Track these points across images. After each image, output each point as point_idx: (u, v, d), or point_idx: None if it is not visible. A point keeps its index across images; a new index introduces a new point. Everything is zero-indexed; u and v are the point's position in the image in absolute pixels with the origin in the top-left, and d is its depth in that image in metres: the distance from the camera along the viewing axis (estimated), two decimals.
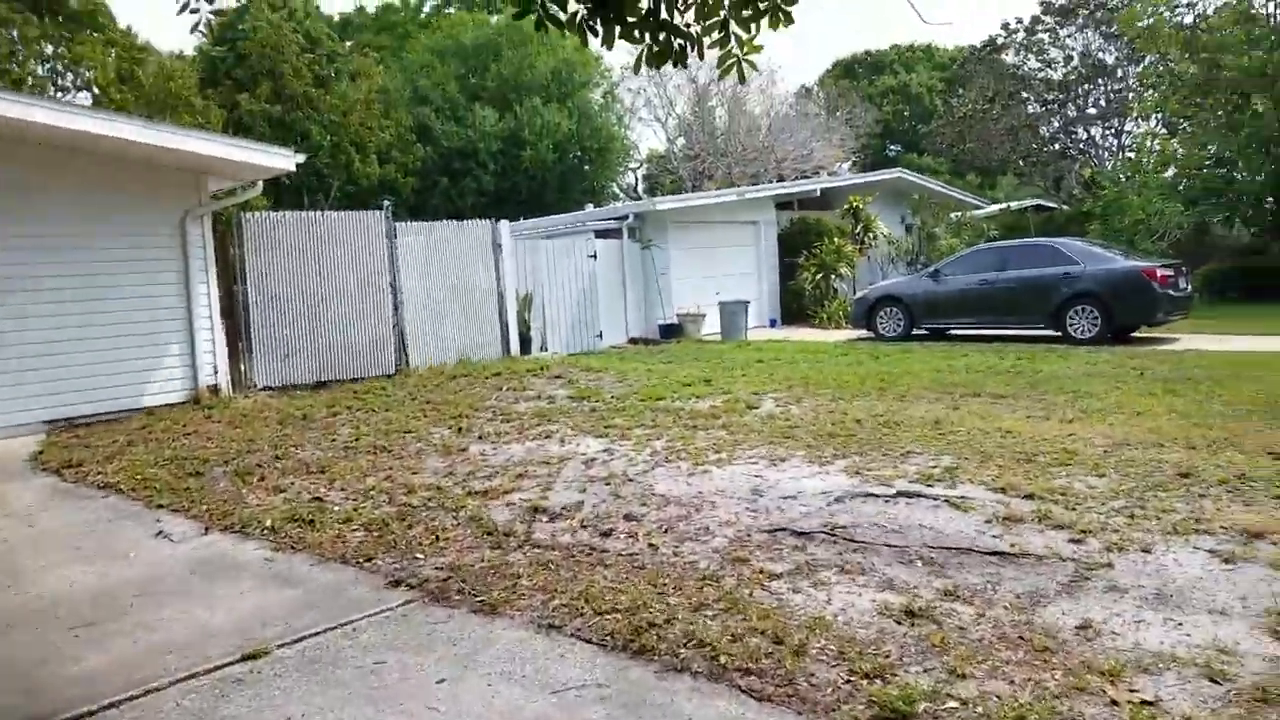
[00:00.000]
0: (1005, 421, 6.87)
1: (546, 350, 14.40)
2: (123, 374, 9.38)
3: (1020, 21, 29.46)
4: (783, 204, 19.91)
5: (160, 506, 5.80)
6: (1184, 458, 5.55)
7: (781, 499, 5.12)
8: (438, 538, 4.77)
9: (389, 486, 5.97)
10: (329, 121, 26.90)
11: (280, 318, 10.98)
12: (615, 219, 17.15)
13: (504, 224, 13.62)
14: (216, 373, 10.08)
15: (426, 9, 41.73)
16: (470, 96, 30.63)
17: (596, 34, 3.31)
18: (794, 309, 18.76)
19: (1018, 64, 29.83)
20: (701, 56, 3.45)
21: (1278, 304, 17.24)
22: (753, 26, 3.35)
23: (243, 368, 10.68)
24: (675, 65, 3.41)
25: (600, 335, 15.73)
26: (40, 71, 24.90)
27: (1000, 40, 30.36)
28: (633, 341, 16.35)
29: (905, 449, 6.12)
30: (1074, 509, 4.61)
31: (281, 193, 22.55)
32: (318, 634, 3.61)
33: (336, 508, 5.49)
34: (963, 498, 4.91)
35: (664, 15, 3.32)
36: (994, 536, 4.28)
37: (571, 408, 8.85)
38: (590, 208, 31.01)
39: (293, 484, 6.22)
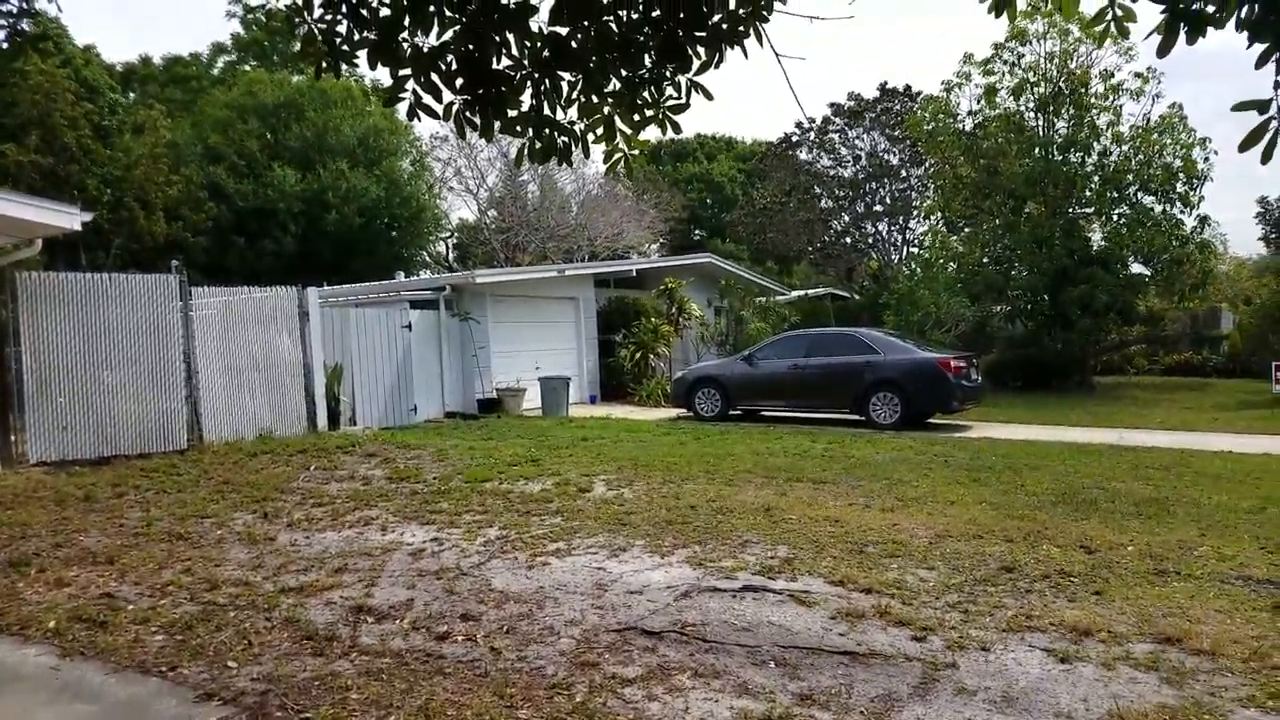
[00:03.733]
0: (831, 509, 7.15)
1: (357, 425, 13.67)
2: None
3: (813, 121, 32.17)
4: (601, 281, 20.33)
5: None
6: (1004, 550, 5.81)
7: (627, 594, 5.05)
8: (250, 642, 4.34)
9: (189, 581, 5.41)
10: (109, 175, 24.87)
11: (59, 386, 9.91)
12: (431, 289, 16.76)
13: (311, 290, 12.92)
14: None
15: (220, 65, 39.86)
16: (270, 156, 29.28)
17: (475, 126, 3.23)
18: (613, 386, 19.04)
19: (811, 160, 32.46)
20: (587, 154, 3.44)
21: (1052, 393, 19.39)
22: (634, 124, 3.40)
23: (13, 440, 9.50)
24: (560, 162, 3.39)
25: (415, 409, 15.14)
26: None
27: (795, 138, 32.99)
28: (449, 415, 15.86)
29: (742, 537, 6.23)
30: (910, 604, 4.74)
31: (56, 249, 20.38)
32: None
33: (130, 605, 4.93)
34: (805, 592, 5.02)
35: (546, 111, 3.29)
36: (840, 635, 4.35)
37: (390, 490, 8.43)
38: (400, 276, 30.20)
39: (77, 576, 5.55)
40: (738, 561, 5.62)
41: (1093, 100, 19.86)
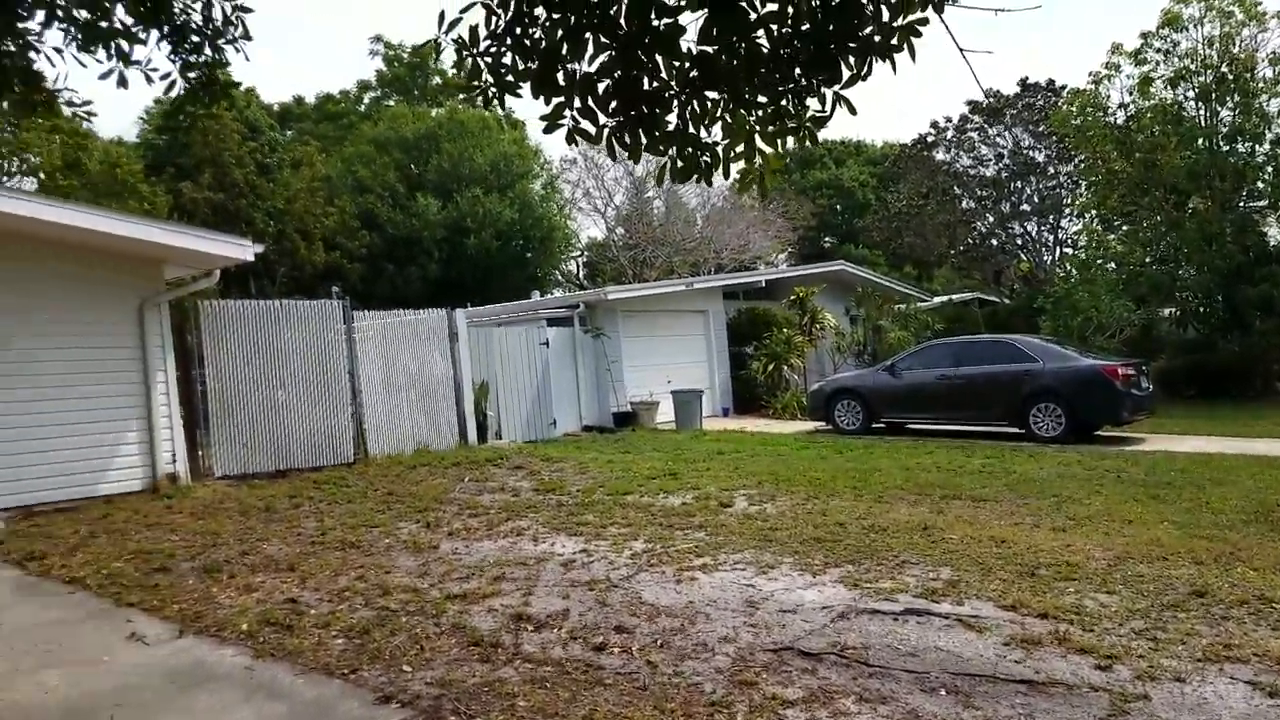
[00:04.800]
0: (995, 529, 6.80)
1: (502, 438, 14.18)
2: (81, 462, 9.11)
3: (949, 120, 30.96)
4: (729, 293, 20.27)
5: (130, 605, 5.54)
6: (1194, 574, 5.41)
7: (780, 612, 5.00)
8: (422, 647, 4.57)
9: (363, 587, 5.76)
10: (273, 209, 26.83)
11: (239, 405, 10.73)
12: (566, 307, 17.23)
13: (460, 312, 13.55)
14: (175, 461, 9.79)
15: (366, 100, 42.34)
16: (412, 186, 30.92)
17: (625, 147, 3.32)
18: (746, 398, 18.86)
19: (949, 160, 31.22)
20: (726, 175, 3.47)
21: (1231, 401, 17.63)
22: (778, 143, 3.40)
23: (201, 455, 10.37)
24: (700, 180, 3.43)
25: (554, 423, 15.57)
26: None
27: (930, 138, 31.84)
28: (586, 429, 16.21)
29: (899, 558, 6.04)
30: (1091, 630, 4.47)
31: (228, 279, 22.18)
32: None
33: (312, 610, 5.27)
34: (974, 616, 4.79)
35: (691, 130, 3.35)
36: (1016, 662, 4.13)
37: (538, 501, 8.70)
38: (536, 295, 31.14)
39: (263, 582, 5.98)
40: (896, 583, 5.45)
41: (1260, 86, 18.27)
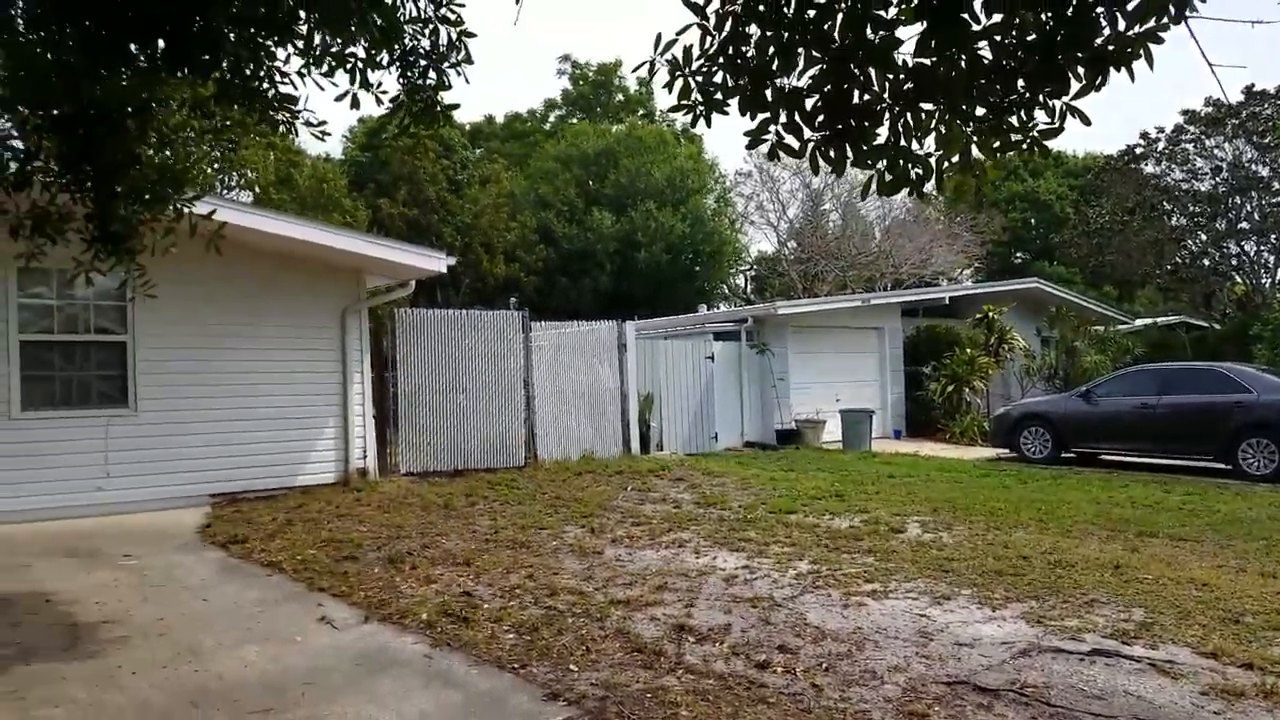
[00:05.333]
0: (1195, 570, 6.26)
1: (664, 450, 14.33)
2: (282, 454, 9.88)
3: (1161, 131, 28.46)
4: (908, 310, 19.51)
5: (321, 590, 5.95)
6: None
7: (955, 645, 4.75)
8: (588, 649, 4.66)
9: (532, 586, 5.96)
10: (461, 223, 28.30)
11: (425, 407, 11.40)
12: (733, 321, 17.17)
13: (629, 325, 13.83)
14: (366, 457, 10.48)
15: (551, 119, 44.05)
16: (589, 201, 31.85)
17: (830, 161, 3.26)
18: (920, 421, 18.11)
19: (1159, 174, 28.71)
20: (940, 187, 3.33)
21: None
22: (996, 152, 3.24)
23: (389, 452, 11.08)
24: (911, 193, 3.32)
25: (716, 437, 15.56)
26: (209, 171, 27.17)
27: (1139, 150, 29.39)
28: (748, 445, 16.08)
29: (1087, 595, 5.63)
30: None
31: (418, 288, 23.69)
32: None
33: (486, 605, 5.50)
34: (1169, 662, 4.43)
35: (903, 143, 3.24)
36: (1215, 713, 3.81)
37: (699, 514, 8.71)
38: (703, 309, 31.26)
39: (441, 575, 6.30)
40: (1084, 622, 5.07)
41: None
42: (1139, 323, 23.31)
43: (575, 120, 41.41)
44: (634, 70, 3.41)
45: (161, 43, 4.28)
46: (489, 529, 7.93)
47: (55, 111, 4.52)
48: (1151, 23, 2.84)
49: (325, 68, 4.77)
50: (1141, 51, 2.88)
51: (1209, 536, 7.55)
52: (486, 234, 28.65)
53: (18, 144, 4.69)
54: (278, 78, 4.82)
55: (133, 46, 4.31)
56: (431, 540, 7.43)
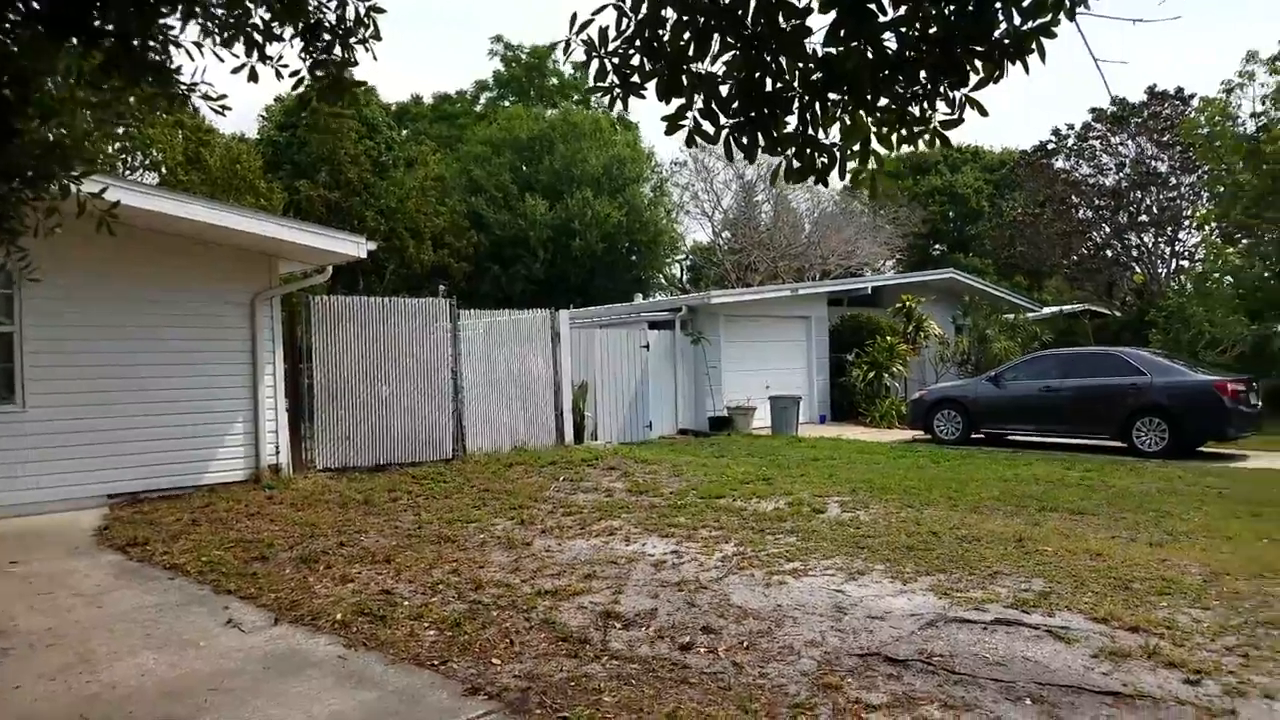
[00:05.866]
0: (1090, 542, 6.64)
1: (598, 439, 14.37)
2: (186, 451, 9.45)
3: (1072, 128, 29.76)
4: (834, 300, 20.01)
5: (228, 592, 5.76)
6: None
7: (868, 618, 4.94)
8: (511, 641, 4.66)
9: (456, 581, 5.90)
10: (385, 207, 27.56)
11: (343, 400, 11.06)
12: (668, 310, 17.33)
13: (563, 313, 13.78)
14: (278, 453, 10.14)
15: (482, 101, 43.34)
16: (523, 187, 31.50)
17: (743, 148, 3.34)
18: (844, 406, 18.65)
19: (1068, 169, 30.00)
20: (843, 175, 3.45)
21: None
22: (893, 144, 3.37)
23: (304, 448, 10.72)
24: (817, 181, 3.42)
25: (650, 425, 15.69)
26: (109, 150, 25.68)
27: (1051, 146, 30.64)
28: (682, 433, 16.27)
29: (991, 568, 5.92)
30: (1182, 645, 4.41)
31: (338, 275, 23.03)
32: None
33: (406, 602, 5.42)
34: (1064, 628, 4.70)
35: (810, 132, 3.34)
36: (1103, 674, 4.08)
37: (631, 502, 8.78)
38: (639, 298, 31.32)
39: (359, 573, 6.17)
40: (987, 593, 5.34)
41: None
42: (1046, 311, 24.32)
43: (508, 103, 40.83)
44: (550, 48, 3.42)
45: (36, 4, 4.08)
46: (412, 524, 7.80)
47: None
48: (1047, 17, 2.98)
49: (223, 36, 4.60)
50: (1034, 46, 3.02)
51: (1104, 510, 8.02)
52: (413, 218, 28.01)
53: None
54: (171, 48, 4.62)
55: (12, 9, 4.10)
56: (349, 538, 7.25)
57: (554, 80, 42.55)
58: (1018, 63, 3.06)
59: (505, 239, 30.41)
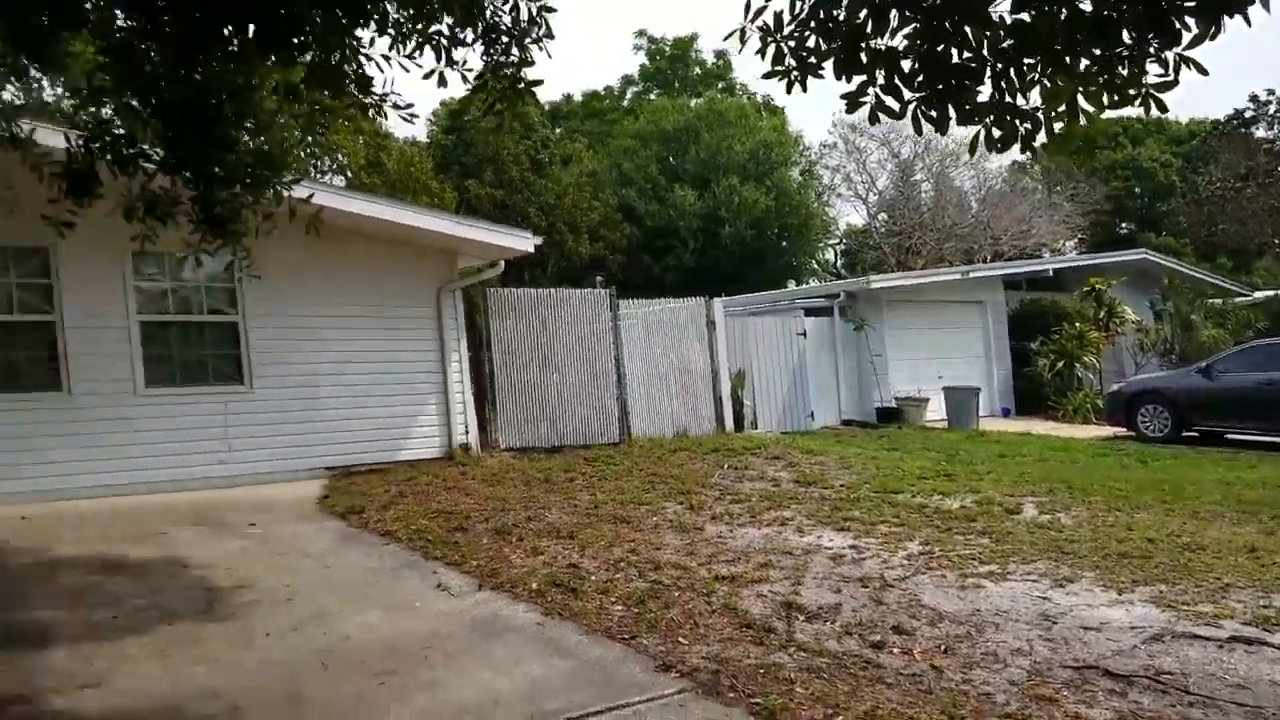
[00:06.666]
0: None
1: (758, 428, 14.19)
2: (391, 429, 10.22)
3: (1272, 93, 26.68)
4: (1011, 284, 18.76)
5: (435, 558, 6.14)
6: None
7: (1081, 629, 4.56)
8: (695, 623, 4.65)
9: (636, 560, 5.99)
10: (545, 204, 28.53)
11: (519, 384, 11.58)
12: (825, 297, 16.82)
13: (717, 301, 13.72)
14: (467, 432, 10.76)
15: (629, 96, 43.79)
16: (671, 177, 31.62)
17: (932, 121, 3.18)
18: (1030, 398, 17.37)
19: (1271, 139, 26.93)
20: (1051, 137, 3.21)
21: None
22: (1103, 103, 3.10)
23: (489, 428, 11.29)
24: (1023, 149, 3.21)
25: (812, 415, 15.31)
26: (303, 156, 27.94)
27: (1249, 114, 27.60)
28: (846, 423, 15.78)
29: (1221, 580, 5.34)
30: None
31: (506, 269, 23.97)
32: (600, 713, 3.55)
33: (592, 576, 5.56)
34: None
35: (1008, 100, 3.15)
36: None
37: (799, 493, 8.60)
38: (791, 284, 30.71)
39: (548, 546, 6.42)
40: (1219, 607, 4.82)
41: None
42: (1259, 295, 21.85)
43: (653, 96, 41.09)
44: (725, 38, 3.40)
45: (252, 28, 4.41)
46: (589, 504, 8.01)
47: (153, 99, 4.70)
48: None
49: (410, 46, 4.85)
50: None
51: None
52: (570, 213, 28.80)
53: (119, 130, 4.89)
54: (364, 60, 4.91)
55: (225, 32, 4.44)
56: (535, 513, 7.56)
57: (696, 70, 42.37)
58: (1235, 14, 2.76)
59: (656, 230, 30.68)
